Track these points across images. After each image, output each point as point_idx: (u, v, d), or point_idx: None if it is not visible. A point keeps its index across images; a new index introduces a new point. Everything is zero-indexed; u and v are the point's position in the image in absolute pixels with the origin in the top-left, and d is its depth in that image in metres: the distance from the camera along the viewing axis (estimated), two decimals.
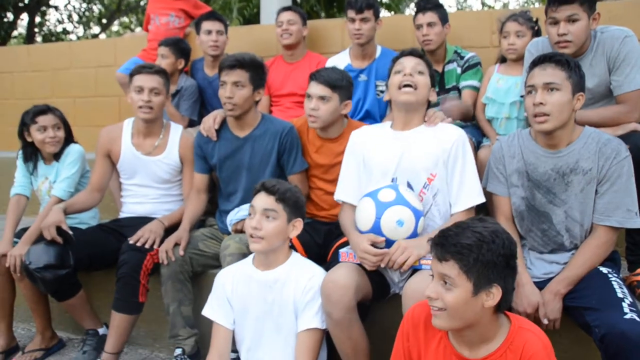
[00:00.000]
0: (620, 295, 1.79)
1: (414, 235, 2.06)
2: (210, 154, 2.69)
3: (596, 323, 1.72)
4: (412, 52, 2.25)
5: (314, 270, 2.08)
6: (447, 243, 1.46)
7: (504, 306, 1.50)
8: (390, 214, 2.02)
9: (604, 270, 1.94)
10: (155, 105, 2.69)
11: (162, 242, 2.54)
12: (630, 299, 1.78)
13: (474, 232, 1.45)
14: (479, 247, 1.43)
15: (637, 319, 1.68)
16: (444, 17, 3.06)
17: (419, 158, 2.16)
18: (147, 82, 2.67)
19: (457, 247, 1.44)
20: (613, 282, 1.86)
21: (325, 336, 2.07)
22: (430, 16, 3.02)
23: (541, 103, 1.93)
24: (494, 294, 1.45)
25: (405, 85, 2.17)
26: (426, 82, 2.21)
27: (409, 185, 2.17)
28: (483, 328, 1.50)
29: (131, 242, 2.51)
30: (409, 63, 2.21)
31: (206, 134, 2.67)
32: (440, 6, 3.10)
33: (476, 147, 2.75)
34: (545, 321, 1.88)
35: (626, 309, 1.71)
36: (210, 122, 2.66)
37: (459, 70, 3.07)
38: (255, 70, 2.58)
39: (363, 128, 2.41)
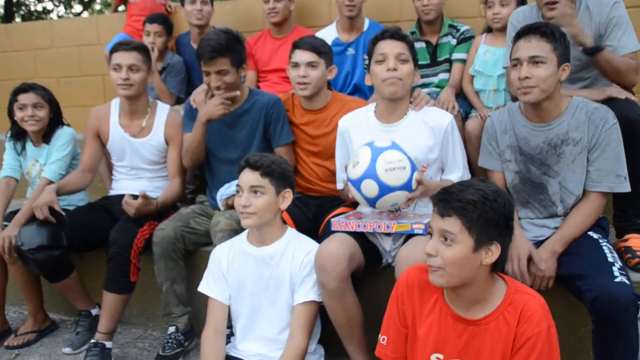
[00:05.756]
0: (610, 259, 1.83)
1: (408, 185, 2.02)
2: None
3: (587, 287, 1.75)
4: (392, 35, 2.16)
5: (312, 245, 2.09)
6: (450, 199, 1.47)
7: (500, 265, 1.52)
8: (386, 155, 2.00)
9: (595, 235, 1.98)
10: (134, 82, 2.62)
11: (144, 218, 2.54)
12: (620, 263, 1.82)
13: (478, 190, 1.46)
14: (483, 204, 1.44)
15: (626, 281, 1.71)
16: None
17: (409, 152, 2.10)
18: (124, 59, 2.61)
19: (461, 202, 1.45)
20: (604, 247, 1.89)
21: (320, 311, 2.09)
22: None
23: (527, 77, 1.94)
24: (493, 252, 1.48)
25: (390, 80, 2.12)
26: (410, 70, 2.16)
27: None
28: (479, 287, 1.52)
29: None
30: (391, 51, 2.13)
31: (196, 106, 2.64)
32: None
33: (464, 118, 2.76)
34: (542, 266, 1.90)
35: (616, 273, 1.75)
36: (202, 97, 2.63)
37: (454, 42, 3.04)
38: (235, 50, 2.52)
39: (348, 116, 2.36)
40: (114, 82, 2.63)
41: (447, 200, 1.47)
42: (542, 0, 2.30)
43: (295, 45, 2.54)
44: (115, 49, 2.65)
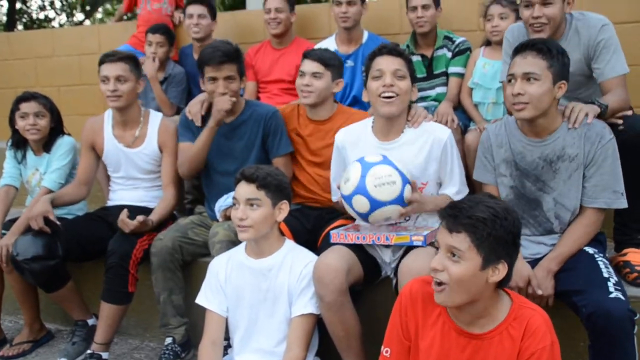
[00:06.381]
0: (605, 275, 1.83)
1: (400, 199, 2.02)
2: (197, 135, 2.65)
3: (583, 303, 1.76)
4: (390, 51, 2.16)
5: (310, 257, 2.09)
6: (460, 215, 1.45)
7: (506, 282, 1.52)
8: (376, 171, 2.00)
9: (590, 251, 1.98)
10: (122, 93, 2.62)
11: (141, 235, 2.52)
12: (616, 278, 1.82)
13: (488, 207, 1.45)
14: (493, 222, 1.43)
15: (621, 297, 1.72)
16: (437, 0, 3.06)
17: (407, 170, 2.09)
18: (111, 71, 2.61)
19: (471, 219, 1.43)
20: (599, 262, 1.90)
21: (318, 323, 2.08)
22: None
23: (519, 93, 1.93)
24: (500, 270, 1.47)
25: (387, 97, 2.12)
26: (407, 87, 2.15)
27: None
28: (484, 303, 1.51)
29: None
30: (388, 67, 2.12)
31: (191, 117, 2.65)
32: None
33: (463, 131, 2.76)
34: (540, 292, 1.91)
35: (611, 288, 1.75)
36: (197, 108, 2.64)
37: (449, 54, 3.06)
38: (240, 60, 2.58)
39: (345, 130, 2.36)
40: (103, 94, 2.64)
41: (456, 216, 1.45)
42: (527, 23, 2.30)
43: (304, 55, 2.59)
44: (102, 60, 2.65)
